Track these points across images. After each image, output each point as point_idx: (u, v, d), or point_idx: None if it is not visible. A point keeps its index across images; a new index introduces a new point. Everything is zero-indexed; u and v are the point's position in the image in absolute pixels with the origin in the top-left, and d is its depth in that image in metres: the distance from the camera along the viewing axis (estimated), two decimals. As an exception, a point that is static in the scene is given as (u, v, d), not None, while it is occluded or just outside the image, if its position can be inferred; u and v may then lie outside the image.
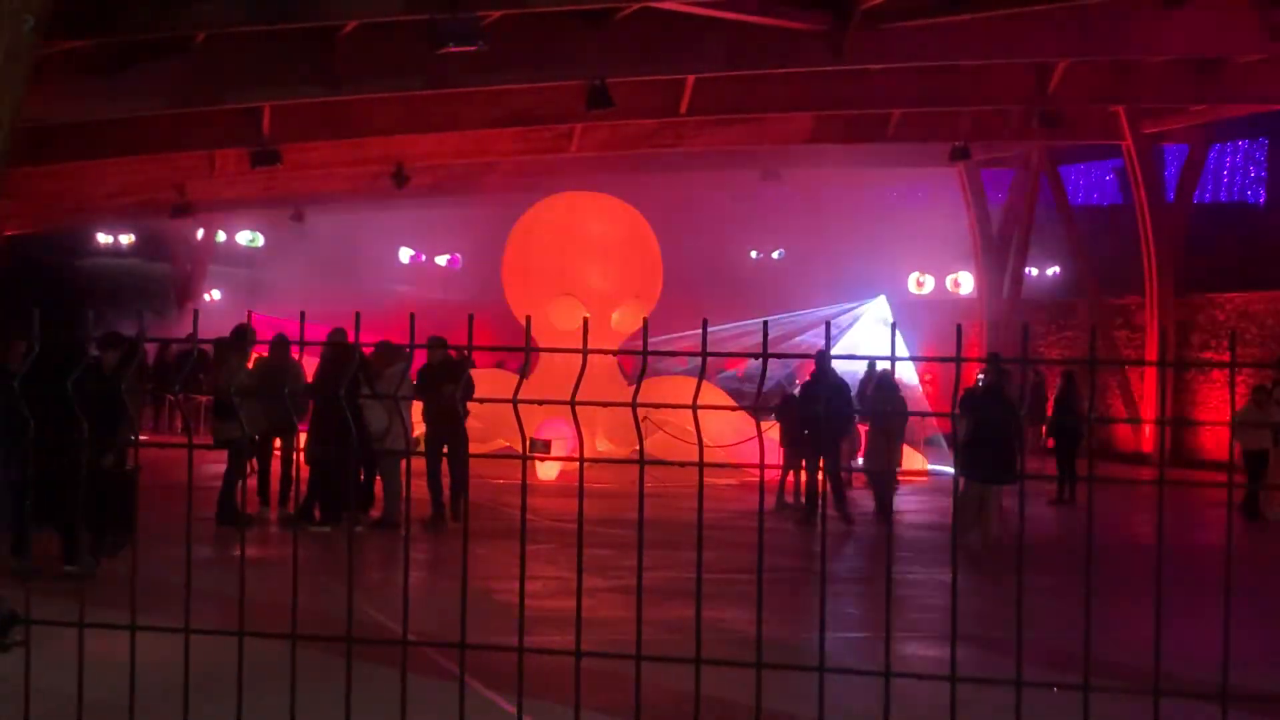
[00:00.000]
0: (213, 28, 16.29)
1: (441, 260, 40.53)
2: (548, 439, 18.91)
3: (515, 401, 3.39)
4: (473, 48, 15.15)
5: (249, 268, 38.46)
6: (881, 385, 18.33)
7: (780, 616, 9.84)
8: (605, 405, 3.52)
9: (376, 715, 4.35)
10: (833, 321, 29.82)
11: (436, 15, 14.73)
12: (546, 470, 19.51)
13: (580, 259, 24.32)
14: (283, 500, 15.60)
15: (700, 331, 3.46)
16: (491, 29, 15.44)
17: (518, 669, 3.57)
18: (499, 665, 7.32)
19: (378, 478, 15.04)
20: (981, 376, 16.30)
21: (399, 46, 17.35)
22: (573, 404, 3.20)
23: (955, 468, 14.52)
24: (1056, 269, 31.65)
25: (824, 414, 15.23)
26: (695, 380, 16.48)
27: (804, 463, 16.98)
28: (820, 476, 17.09)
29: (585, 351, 3.33)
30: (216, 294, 38.65)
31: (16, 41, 9.17)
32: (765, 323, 3.80)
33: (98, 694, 4.10)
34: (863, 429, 19.44)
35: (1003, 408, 14.25)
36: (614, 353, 16.94)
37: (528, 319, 3.76)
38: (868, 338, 29.83)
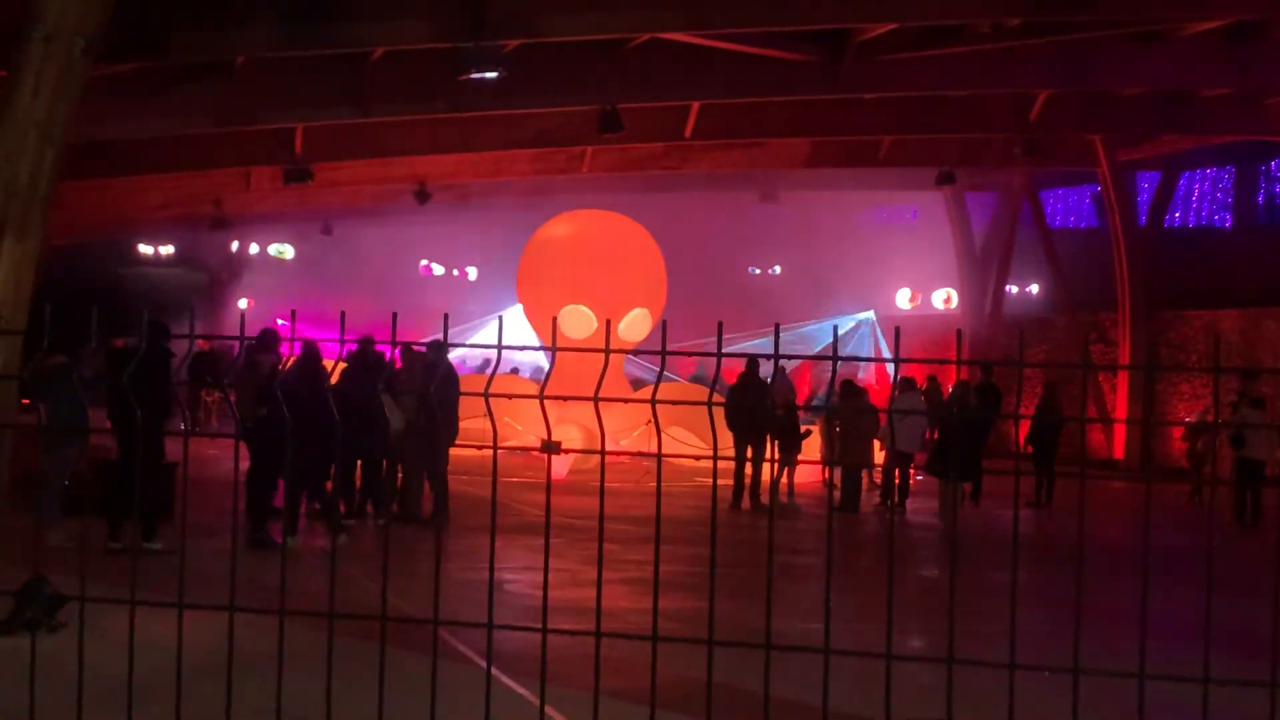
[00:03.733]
0: (250, 53, 16.31)
1: (457, 272, 40.49)
2: (559, 439, 18.89)
3: (541, 398, 3.37)
4: (493, 74, 15.17)
5: (280, 277, 38.47)
6: (847, 390, 18.47)
7: (776, 607, 9.79)
8: (626, 401, 3.50)
9: (403, 693, 4.33)
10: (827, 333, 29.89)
11: (459, 43, 14.74)
12: (557, 467, 19.50)
13: (590, 271, 24.32)
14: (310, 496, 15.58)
15: (713, 339, 3.45)
16: (510, 57, 15.44)
17: (541, 649, 3.55)
18: (514, 652, 7.30)
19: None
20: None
21: (424, 72, 17.37)
22: (595, 400, 3.18)
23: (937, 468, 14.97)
24: (1035, 287, 31.62)
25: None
26: (698, 386, 16.41)
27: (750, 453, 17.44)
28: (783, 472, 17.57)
29: (608, 351, 3.31)
30: (249, 301, 38.64)
31: (69, 63, 9.19)
32: (781, 329, 3.77)
33: (136, 673, 4.07)
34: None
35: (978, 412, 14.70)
36: (633, 352, 17.03)
37: (554, 322, 3.74)
38: (858, 348, 29.86)
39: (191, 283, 39.23)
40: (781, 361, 22.24)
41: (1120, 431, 27.01)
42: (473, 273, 39.70)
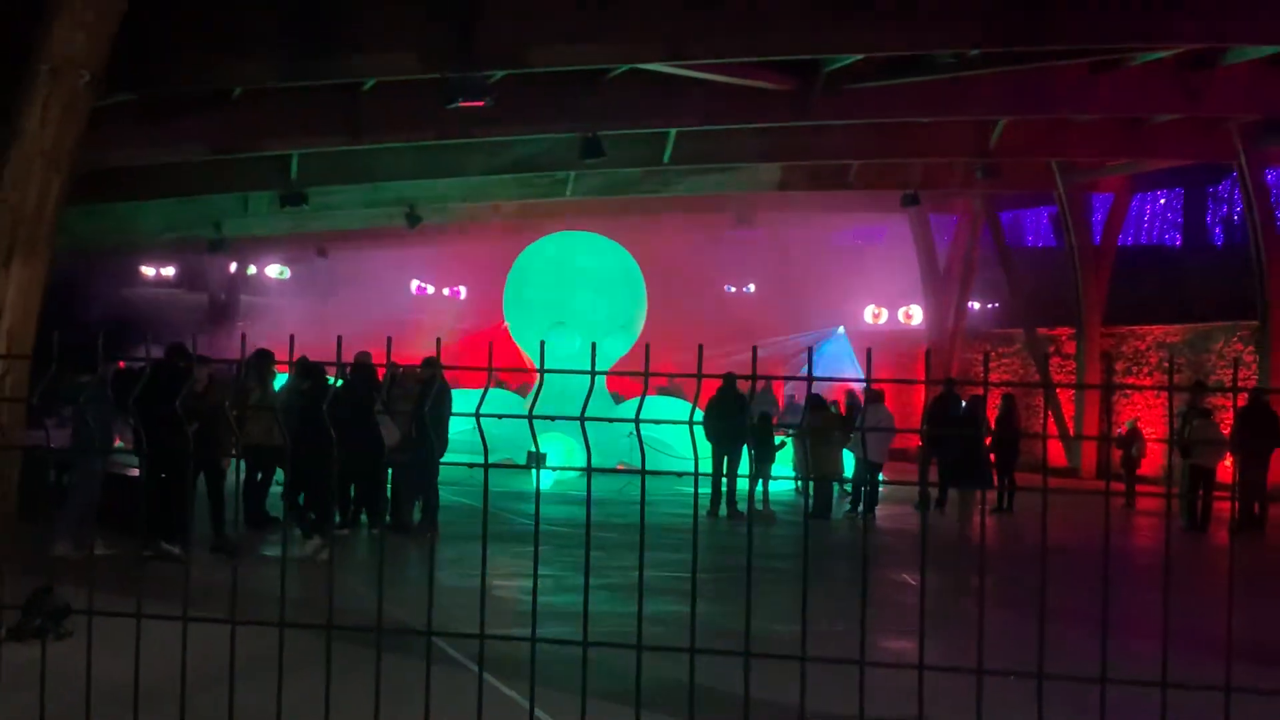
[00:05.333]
0: (248, 84, 16.29)
1: (448, 291, 40.40)
2: (544, 452, 18.92)
3: (531, 417, 3.36)
4: (480, 103, 15.14)
5: (277, 298, 38.35)
6: (816, 404, 18.57)
7: (756, 612, 9.77)
8: (611, 421, 3.50)
9: (398, 698, 4.30)
10: (798, 348, 29.97)
11: (448, 74, 14.73)
12: (543, 480, 19.49)
13: (573, 291, 24.34)
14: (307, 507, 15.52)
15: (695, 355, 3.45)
16: (496, 87, 15.44)
17: (531, 658, 3.54)
18: (504, 656, 7.27)
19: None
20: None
21: (414, 102, 17.35)
22: (582, 420, 3.17)
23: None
24: (996, 303, 31.73)
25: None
26: (674, 398, 16.35)
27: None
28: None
29: (594, 373, 3.31)
30: (247, 321, 38.51)
31: (74, 94, 9.17)
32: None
33: (126, 681, 4.05)
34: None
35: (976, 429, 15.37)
36: (621, 374, 17.13)
37: (542, 344, 3.73)
38: (830, 363, 29.90)
39: (191, 302, 39.06)
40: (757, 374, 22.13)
41: (1086, 439, 27.10)
42: (463, 292, 39.63)
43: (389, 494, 14.82)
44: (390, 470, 14.46)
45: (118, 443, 13.06)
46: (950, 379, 22.49)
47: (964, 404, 19.56)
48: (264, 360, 14.63)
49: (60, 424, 14.60)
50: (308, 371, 12.70)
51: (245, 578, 5.38)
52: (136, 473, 13.40)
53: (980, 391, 18.63)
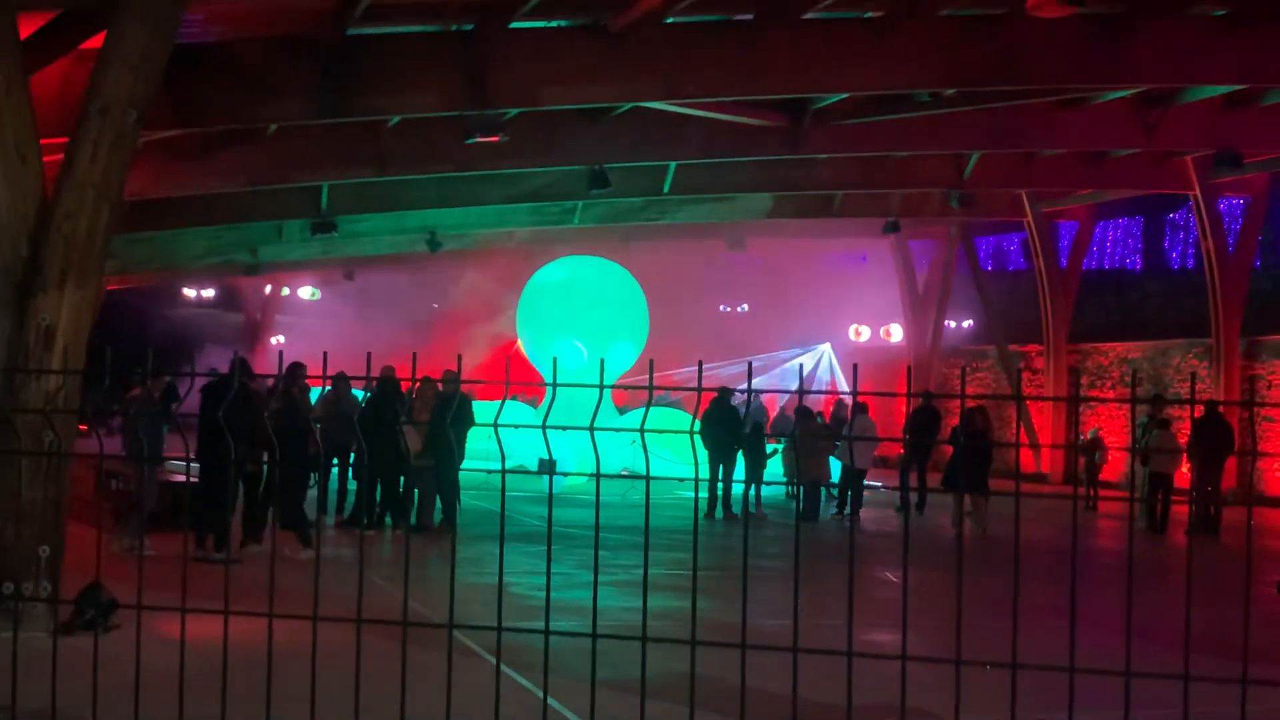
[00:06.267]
0: (282, 121, 16.31)
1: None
2: (554, 459, 18.87)
3: (545, 427, 3.37)
4: (495, 138, 15.20)
5: (309, 317, 38.37)
6: (804, 414, 18.58)
7: (751, 607, 9.75)
8: (619, 431, 3.50)
9: (422, 686, 4.30)
10: (788, 363, 29.94)
11: (465, 112, 14.78)
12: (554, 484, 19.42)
13: (581, 310, 24.34)
14: (337, 508, 15.52)
15: (695, 369, 3.46)
16: (510, 124, 15.48)
17: (544, 649, 3.54)
18: (519, 648, 7.26)
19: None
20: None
21: (434, 137, 17.38)
22: (591, 429, 3.18)
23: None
24: (970, 321, 31.71)
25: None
26: (672, 408, 16.31)
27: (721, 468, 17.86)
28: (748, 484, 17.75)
29: (602, 386, 3.32)
30: (281, 339, 38.52)
31: (122, 131, 9.18)
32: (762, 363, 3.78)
33: (172, 670, 4.05)
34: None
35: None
36: (626, 387, 17.16)
37: (554, 360, 3.74)
38: (817, 377, 29.89)
39: (229, 321, 39.11)
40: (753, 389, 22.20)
41: (1047, 448, 27.06)
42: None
43: (414, 497, 14.82)
44: (411, 475, 14.48)
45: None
46: (928, 392, 22.46)
47: (947, 415, 19.55)
48: (298, 374, 14.64)
49: (109, 434, 14.62)
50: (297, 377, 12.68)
51: (277, 576, 5.40)
52: (183, 479, 13.39)
53: (963, 404, 18.70)
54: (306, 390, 14.30)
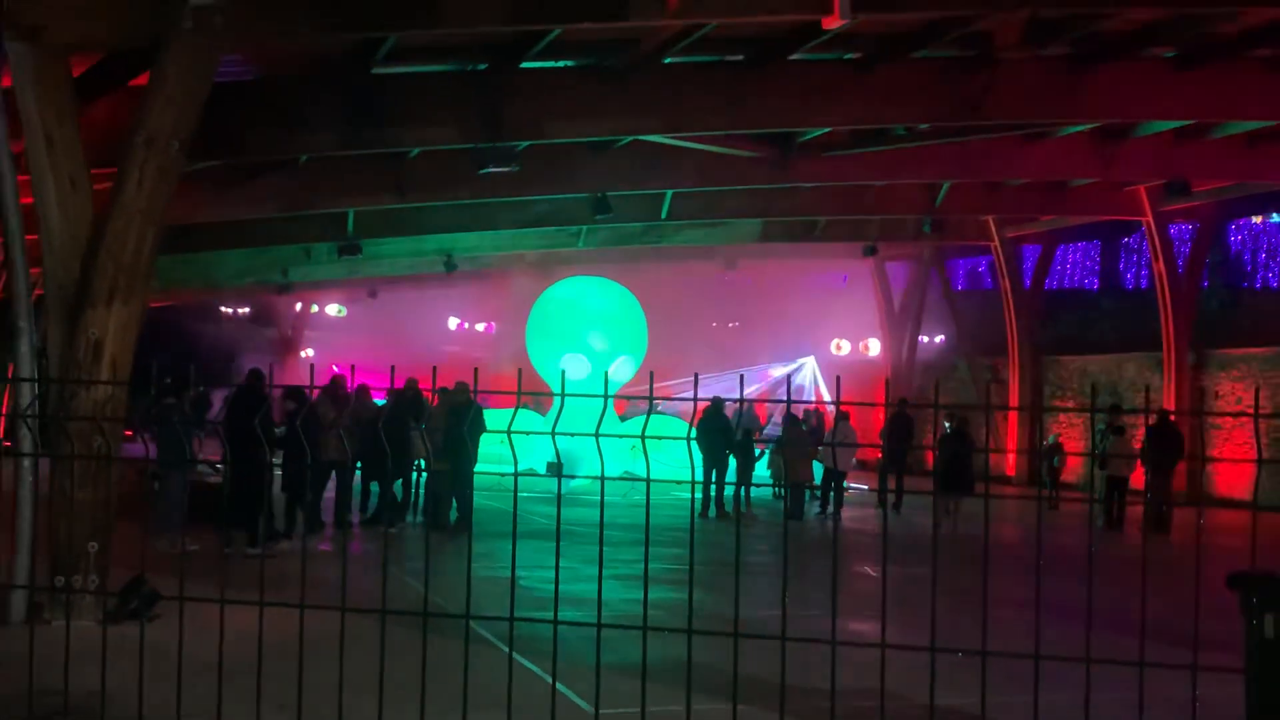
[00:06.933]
0: (312, 152, 16.33)
1: (480, 327, 40.39)
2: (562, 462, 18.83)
3: (554, 434, 3.37)
4: (507, 169, 15.21)
5: (335, 332, 38.35)
6: (790, 422, 18.54)
7: (742, 599, 9.74)
8: (621, 437, 3.51)
9: (441, 671, 4.30)
10: (776, 374, 29.96)
11: (480, 144, 14.80)
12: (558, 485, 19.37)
13: (585, 326, 24.35)
14: (362, 508, 15.48)
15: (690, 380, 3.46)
16: (520, 155, 15.50)
17: (554, 637, 3.54)
18: (529, 637, 7.25)
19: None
20: (948, 424, 17.65)
21: (452, 167, 17.39)
22: (597, 436, 3.19)
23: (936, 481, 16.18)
24: (942, 337, 31.73)
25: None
26: (670, 415, 16.28)
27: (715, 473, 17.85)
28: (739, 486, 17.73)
29: (606, 396, 3.32)
30: (310, 352, 38.51)
31: (166, 162, 9.19)
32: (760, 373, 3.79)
33: (210, 657, 4.05)
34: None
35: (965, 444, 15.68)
36: (628, 397, 17.11)
37: (563, 372, 3.75)
38: (802, 387, 29.87)
39: (262, 337, 39.08)
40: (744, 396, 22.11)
41: (1012, 453, 27.04)
42: (494, 326, 39.61)
43: (434, 498, 14.81)
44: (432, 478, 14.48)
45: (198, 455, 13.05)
46: (903, 400, 22.44)
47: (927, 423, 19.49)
48: (337, 387, 14.66)
49: (152, 439, 14.58)
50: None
51: (293, 568, 5.40)
52: (217, 480, 13.38)
53: (957, 412, 18.68)
54: (345, 399, 14.31)
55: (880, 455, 21.17)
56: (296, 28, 10.46)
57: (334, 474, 14.35)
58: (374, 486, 15.33)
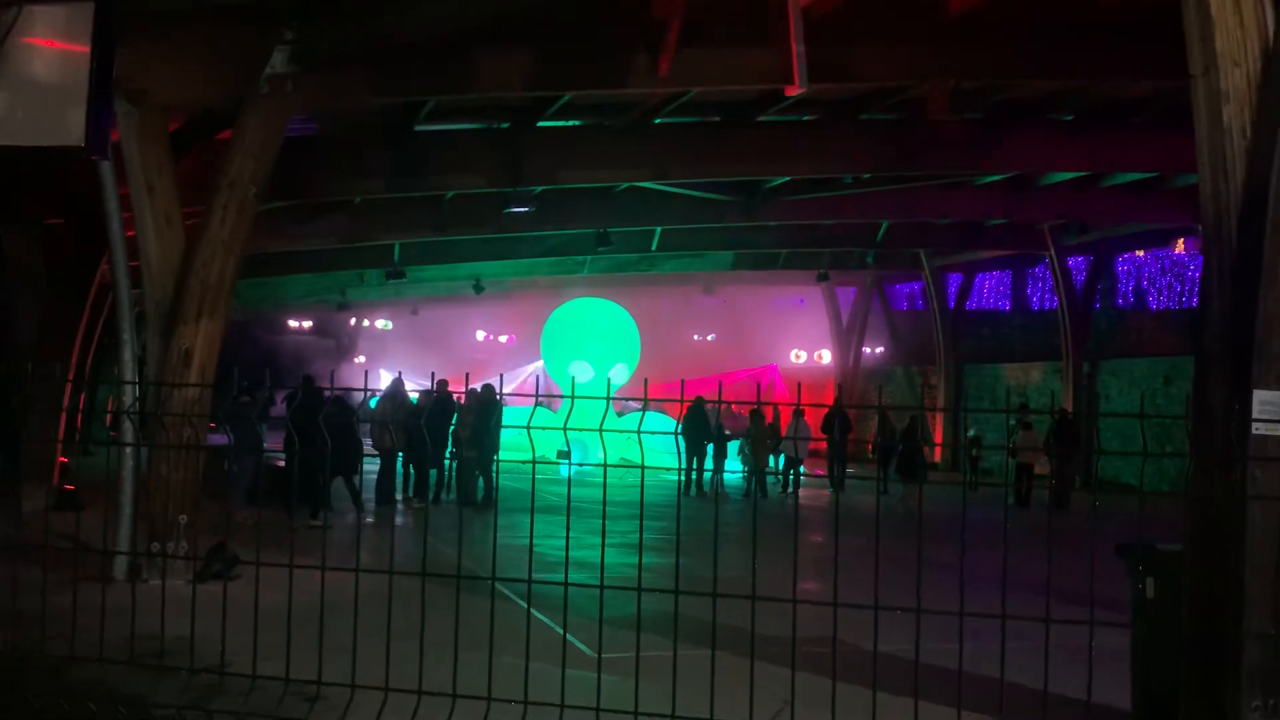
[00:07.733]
0: (365, 194, 16.32)
1: (503, 338, 40.33)
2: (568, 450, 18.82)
3: (565, 429, 3.37)
4: (526, 209, 15.23)
5: (383, 342, 38.23)
6: (756, 416, 18.54)
7: (719, 563, 9.72)
8: (620, 432, 3.50)
9: (471, 624, 4.28)
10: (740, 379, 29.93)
11: (504, 189, 14.82)
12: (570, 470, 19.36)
13: (589, 338, 24.33)
14: (405, 489, 15.44)
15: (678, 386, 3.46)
16: (537, 198, 15.52)
17: (564, 595, 3.53)
18: (542, 596, 7.23)
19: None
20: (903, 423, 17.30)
21: (480, 207, 17.38)
22: (600, 431, 3.18)
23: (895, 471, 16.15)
24: (882, 348, 31.74)
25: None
26: (658, 413, 15.93)
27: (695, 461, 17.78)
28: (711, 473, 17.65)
29: (608, 398, 3.32)
30: (363, 358, 38.39)
31: (245, 202, 9.19)
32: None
33: (281, 610, 4.03)
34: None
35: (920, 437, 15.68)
36: (624, 399, 17.19)
37: (573, 378, 3.75)
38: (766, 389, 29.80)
39: (323, 346, 38.97)
40: (726, 399, 22.06)
41: (940, 446, 27.03)
42: (514, 338, 39.53)
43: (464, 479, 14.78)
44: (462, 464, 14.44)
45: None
46: (838, 400, 22.47)
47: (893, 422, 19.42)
48: (399, 388, 14.62)
49: (232, 430, 14.49)
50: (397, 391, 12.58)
51: (349, 537, 5.38)
52: (283, 463, 13.31)
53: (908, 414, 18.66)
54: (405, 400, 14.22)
55: (827, 445, 21.14)
56: (353, 93, 10.47)
57: (382, 460, 14.31)
58: (412, 470, 15.29)
